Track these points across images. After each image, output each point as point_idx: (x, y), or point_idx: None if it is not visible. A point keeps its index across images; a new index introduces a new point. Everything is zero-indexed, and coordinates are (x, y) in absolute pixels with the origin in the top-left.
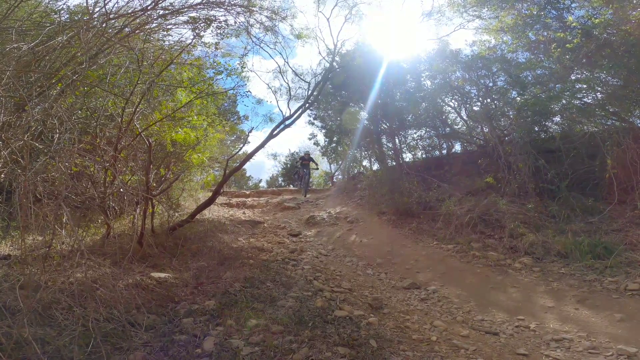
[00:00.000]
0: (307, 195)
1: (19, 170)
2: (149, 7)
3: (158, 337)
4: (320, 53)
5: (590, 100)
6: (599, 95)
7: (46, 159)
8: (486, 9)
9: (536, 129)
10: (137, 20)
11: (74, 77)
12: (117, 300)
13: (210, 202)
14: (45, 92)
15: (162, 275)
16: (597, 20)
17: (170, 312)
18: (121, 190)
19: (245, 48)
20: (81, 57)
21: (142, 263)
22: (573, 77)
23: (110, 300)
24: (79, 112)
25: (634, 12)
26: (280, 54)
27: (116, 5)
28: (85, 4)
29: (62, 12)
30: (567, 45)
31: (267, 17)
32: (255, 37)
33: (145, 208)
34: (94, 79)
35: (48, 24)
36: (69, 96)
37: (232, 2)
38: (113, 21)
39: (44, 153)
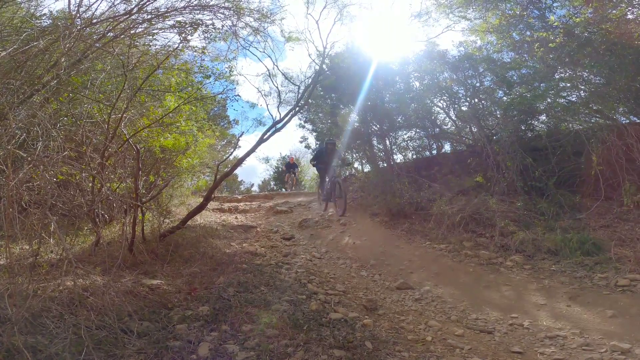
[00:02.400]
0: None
1: (4, 179)
2: (133, 12)
3: (152, 344)
4: (310, 56)
5: (574, 99)
6: (583, 94)
7: (30, 167)
8: (472, 9)
9: (522, 127)
10: (121, 25)
11: (54, 83)
12: (108, 308)
13: (201, 207)
14: (27, 99)
15: (155, 282)
16: (577, 20)
17: (163, 318)
18: (110, 197)
19: (231, 50)
20: (63, 63)
21: (134, 270)
22: (557, 76)
23: (101, 307)
24: (65, 118)
25: (614, 11)
26: (270, 56)
27: (99, 10)
28: (68, 9)
29: (44, 17)
30: (550, 44)
31: (255, 19)
32: (243, 39)
33: (135, 215)
34: (78, 85)
35: (28, 30)
36: (53, 103)
37: (219, 5)
38: (97, 26)
39: (27, 161)
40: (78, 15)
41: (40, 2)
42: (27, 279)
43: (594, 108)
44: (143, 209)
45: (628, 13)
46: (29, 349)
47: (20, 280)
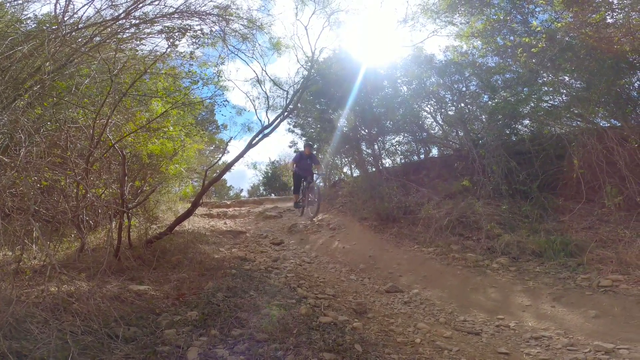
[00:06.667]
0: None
1: None
2: (120, 17)
3: (140, 349)
4: (298, 61)
5: (556, 103)
6: (564, 98)
7: (13, 173)
8: (457, 14)
9: (507, 131)
10: (108, 30)
11: (38, 87)
12: (94, 313)
13: (189, 213)
14: (10, 104)
15: (142, 287)
16: (559, 24)
17: (151, 323)
18: (95, 203)
19: (221, 57)
20: (48, 67)
21: (120, 276)
22: (540, 81)
23: (87, 313)
24: (49, 123)
25: (594, 15)
26: (258, 61)
27: (86, 15)
28: (54, 13)
29: (28, 21)
30: (533, 49)
31: (243, 25)
32: (232, 45)
33: (121, 221)
34: (62, 89)
35: (13, 34)
36: (37, 108)
37: (208, 12)
38: (83, 30)
39: (10, 167)
40: (64, 19)
41: (26, 6)
42: (10, 284)
43: (575, 112)
44: (129, 214)
45: (607, 17)
46: (14, 354)
47: (3, 286)
